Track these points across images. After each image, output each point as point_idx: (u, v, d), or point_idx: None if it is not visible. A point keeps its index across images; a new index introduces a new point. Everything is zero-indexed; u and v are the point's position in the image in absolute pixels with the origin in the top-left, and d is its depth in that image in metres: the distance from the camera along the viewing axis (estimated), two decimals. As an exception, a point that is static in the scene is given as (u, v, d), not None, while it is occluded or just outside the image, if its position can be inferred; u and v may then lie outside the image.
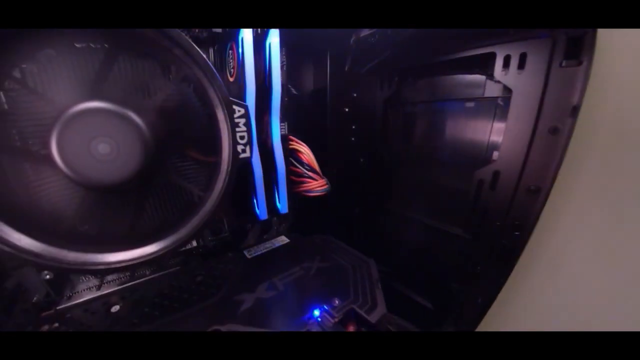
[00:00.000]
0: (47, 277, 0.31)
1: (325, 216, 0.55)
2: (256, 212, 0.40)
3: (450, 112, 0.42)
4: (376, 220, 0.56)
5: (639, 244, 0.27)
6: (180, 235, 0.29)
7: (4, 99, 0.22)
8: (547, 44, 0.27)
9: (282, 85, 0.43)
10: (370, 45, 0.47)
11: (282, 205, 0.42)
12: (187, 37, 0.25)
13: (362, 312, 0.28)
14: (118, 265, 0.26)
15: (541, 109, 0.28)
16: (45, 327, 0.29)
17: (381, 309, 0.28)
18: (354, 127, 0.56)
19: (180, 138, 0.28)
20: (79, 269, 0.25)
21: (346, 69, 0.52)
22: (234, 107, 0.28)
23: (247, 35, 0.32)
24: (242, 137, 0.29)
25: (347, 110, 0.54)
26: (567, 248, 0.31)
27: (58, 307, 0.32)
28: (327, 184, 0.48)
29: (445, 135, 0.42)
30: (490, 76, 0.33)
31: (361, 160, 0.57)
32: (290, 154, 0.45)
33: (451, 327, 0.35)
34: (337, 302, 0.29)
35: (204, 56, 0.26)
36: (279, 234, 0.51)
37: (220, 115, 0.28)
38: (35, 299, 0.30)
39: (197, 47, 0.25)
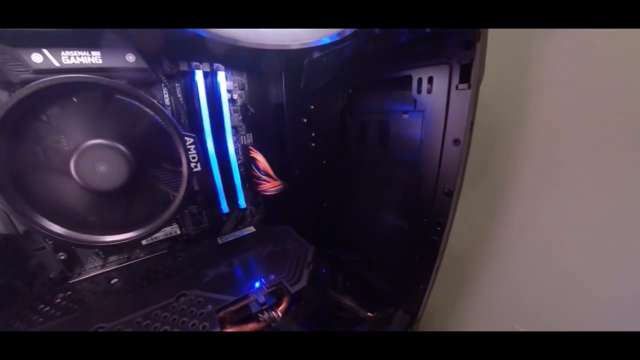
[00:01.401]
0: (62, 257, 0.41)
1: (290, 210, 0.66)
2: (221, 207, 0.51)
3: (392, 121, 0.50)
4: (341, 213, 0.65)
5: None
6: (158, 223, 0.39)
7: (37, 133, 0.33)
8: (446, 69, 0.32)
9: (242, 105, 0.52)
10: (322, 65, 0.55)
11: (240, 201, 0.53)
12: (141, 93, 0.36)
13: (287, 285, 0.38)
14: (113, 243, 0.37)
15: (446, 124, 0.33)
16: (60, 296, 0.39)
17: (302, 283, 0.38)
18: (313, 134, 0.64)
19: (156, 154, 0.39)
20: (87, 245, 0.36)
21: (301, 86, 0.61)
22: (186, 137, 0.38)
23: (198, 75, 0.44)
24: (193, 158, 0.39)
25: (305, 120, 0.63)
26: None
27: (70, 281, 0.43)
28: (280, 184, 0.58)
29: (390, 140, 0.50)
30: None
31: (323, 162, 0.66)
32: (250, 161, 0.55)
33: (401, 310, 0.42)
34: (272, 277, 0.40)
35: (160, 107, 0.37)
36: (249, 225, 0.62)
37: (177, 142, 0.38)
38: (52, 275, 0.41)
39: (151, 100, 0.36)
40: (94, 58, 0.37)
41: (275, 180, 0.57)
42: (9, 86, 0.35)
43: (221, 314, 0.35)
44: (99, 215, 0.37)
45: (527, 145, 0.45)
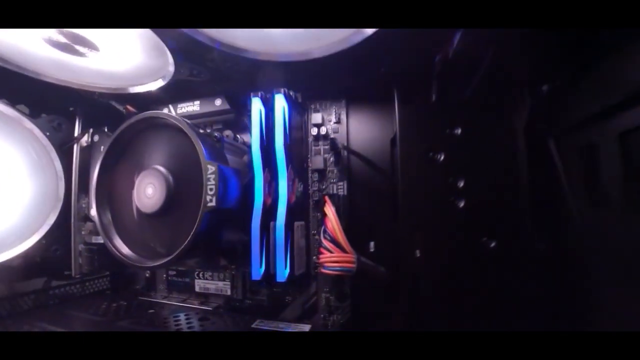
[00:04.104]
0: (147, 274, 0.47)
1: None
2: (255, 270, 0.34)
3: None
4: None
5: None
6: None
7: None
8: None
9: (331, 142, 0.39)
10: (468, 60, 0.30)
11: (279, 271, 0.33)
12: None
13: None
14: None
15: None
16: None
17: None
18: (460, 183, 0.34)
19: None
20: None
21: (433, 99, 0.35)
22: (208, 166, 0.31)
23: (254, 104, 0.37)
24: (211, 189, 0.30)
25: (440, 157, 0.34)
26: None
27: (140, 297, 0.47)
28: (354, 262, 0.32)
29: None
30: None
31: (484, 240, 0.32)
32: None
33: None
34: None
35: (195, 131, 0.33)
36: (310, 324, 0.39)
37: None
38: (138, 286, 0.47)
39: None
40: (195, 106, 0.44)
41: (344, 252, 0.33)
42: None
43: None
44: (159, 241, 0.38)
45: None
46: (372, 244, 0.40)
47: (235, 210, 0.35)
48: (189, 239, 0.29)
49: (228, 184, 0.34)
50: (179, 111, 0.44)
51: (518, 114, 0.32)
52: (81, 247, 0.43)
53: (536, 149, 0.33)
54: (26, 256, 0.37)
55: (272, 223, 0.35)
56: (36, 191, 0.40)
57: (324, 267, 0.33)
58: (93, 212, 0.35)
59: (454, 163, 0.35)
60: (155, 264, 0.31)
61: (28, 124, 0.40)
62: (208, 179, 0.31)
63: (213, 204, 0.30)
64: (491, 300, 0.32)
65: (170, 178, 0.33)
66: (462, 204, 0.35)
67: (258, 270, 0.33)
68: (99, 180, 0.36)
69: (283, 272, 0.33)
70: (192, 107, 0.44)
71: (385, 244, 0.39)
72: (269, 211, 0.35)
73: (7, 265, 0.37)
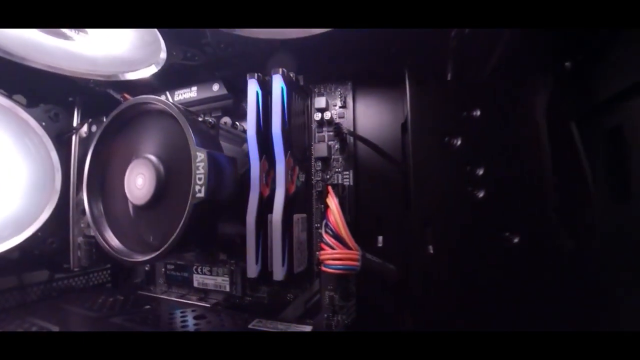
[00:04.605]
0: (147, 268, 0.46)
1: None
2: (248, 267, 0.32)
3: None
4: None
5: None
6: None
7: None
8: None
9: (336, 127, 0.36)
10: (487, 35, 0.27)
11: (276, 269, 0.30)
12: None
13: None
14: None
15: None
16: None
17: None
18: (479, 171, 0.30)
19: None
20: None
21: (448, 78, 0.31)
22: (197, 153, 0.28)
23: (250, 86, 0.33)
24: (200, 179, 0.28)
25: (457, 141, 0.31)
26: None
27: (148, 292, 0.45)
28: (358, 259, 0.29)
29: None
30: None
31: (505, 235, 0.28)
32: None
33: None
34: None
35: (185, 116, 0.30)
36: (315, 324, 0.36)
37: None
38: (137, 280, 0.46)
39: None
40: (192, 93, 0.41)
41: (347, 248, 0.30)
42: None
43: None
44: (153, 234, 0.36)
45: None
46: (380, 238, 0.37)
47: (231, 201, 0.33)
48: (176, 233, 0.27)
49: (222, 173, 0.31)
50: (176, 98, 0.42)
51: (540, 94, 0.28)
52: (80, 239, 0.42)
53: (559, 132, 0.28)
54: (20, 249, 0.36)
55: (269, 216, 0.32)
56: (32, 182, 0.39)
57: (325, 265, 0.30)
58: (85, 202, 0.34)
59: (472, 149, 0.31)
60: (143, 258, 0.29)
61: (23, 113, 0.39)
62: (197, 168, 0.28)
63: (202, 194, 0.27)
64: (514, 301, 0.28)
65: (161, 168, 0.31)
66: (481, 194, 0.31)
67: (254, 268, 0.30)
68: (90, 169, 0.34)
69: (280, 271, 0.30)
70: (190, 93, 0.42)
71: (395, 238, 0.36)
72: (267, 203, 0.32)
73: (5, 257, 0.36)
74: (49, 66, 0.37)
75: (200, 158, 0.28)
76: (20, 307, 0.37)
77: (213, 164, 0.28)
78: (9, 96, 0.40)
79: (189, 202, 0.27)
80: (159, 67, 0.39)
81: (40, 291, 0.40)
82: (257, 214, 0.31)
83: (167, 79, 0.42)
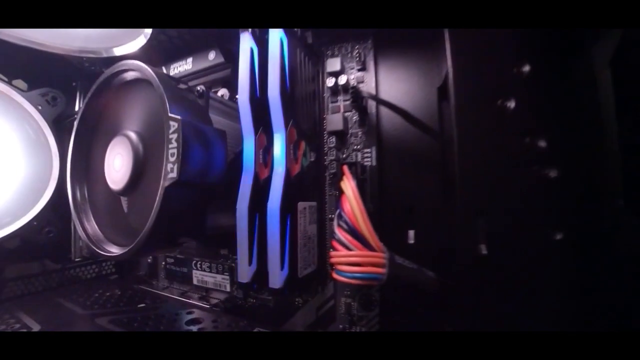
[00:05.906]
0: (149, 260, 0.43)
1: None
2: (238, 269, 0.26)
3: None
4: None
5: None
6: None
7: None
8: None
9: (354, 93, 0.28)
10: None
11: (272, 272, 0.23)
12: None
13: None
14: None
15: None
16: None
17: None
18: (543, 142, 0.21)
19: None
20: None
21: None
22: (170, 122, 0.22)
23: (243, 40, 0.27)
24: (172, 154, 0.22)
25: (511, 105, 0.22)
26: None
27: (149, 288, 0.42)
28: (380, 266, 0.21)
29: None
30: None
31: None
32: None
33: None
34: None
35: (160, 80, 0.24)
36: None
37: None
38: (141, 272, 0.43)
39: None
40: (187, 64, 0.36)
41: (368, 249, 0.22)
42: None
43: None
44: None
45: None
46: (411, 233, 0.28)
47: (227, 186, 0.27)
48: (147, 226, 0.22)
49: (207, 149, 0.25)
50: (172, 72, 0.37)
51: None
52: (81, 229, 0.40)
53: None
54: (19, 238, 0.34)
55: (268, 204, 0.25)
56: (30, 169, 0.37)
57: (337, 272, 0.23)
58: (68, 187, 0.30)
59: (528, 114, 0.22)
60: (114, 254, 0.25)
61: (17, 97, 0.36)
62: (169, 141, 0.22)
63: (174, 174, 0.22)
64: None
65: (140, 146, 0.26)
66: (553, 174, 0.22)
67: (246, 270, 0.24)
68: (74, 150, 0.31)
69: (278, 276, 0.23)
70: (185, 65, 0.37)
71: (432, 234, 0.27)
72: (264, 187, 0.26)
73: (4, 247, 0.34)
74: (43, 45, 0.34)
75: (173, 128, 0.22)
76: (18, 300, 0.35)
77: (192, 135, 0.23)
78: (8, 82, 0.38)
79: (161, 185, 0.22)
80: (148, 37, 0.34)
81: (35, 282, 0.38)
82: (250, 201, 0.25)
83: (160, 52, 0.37)
